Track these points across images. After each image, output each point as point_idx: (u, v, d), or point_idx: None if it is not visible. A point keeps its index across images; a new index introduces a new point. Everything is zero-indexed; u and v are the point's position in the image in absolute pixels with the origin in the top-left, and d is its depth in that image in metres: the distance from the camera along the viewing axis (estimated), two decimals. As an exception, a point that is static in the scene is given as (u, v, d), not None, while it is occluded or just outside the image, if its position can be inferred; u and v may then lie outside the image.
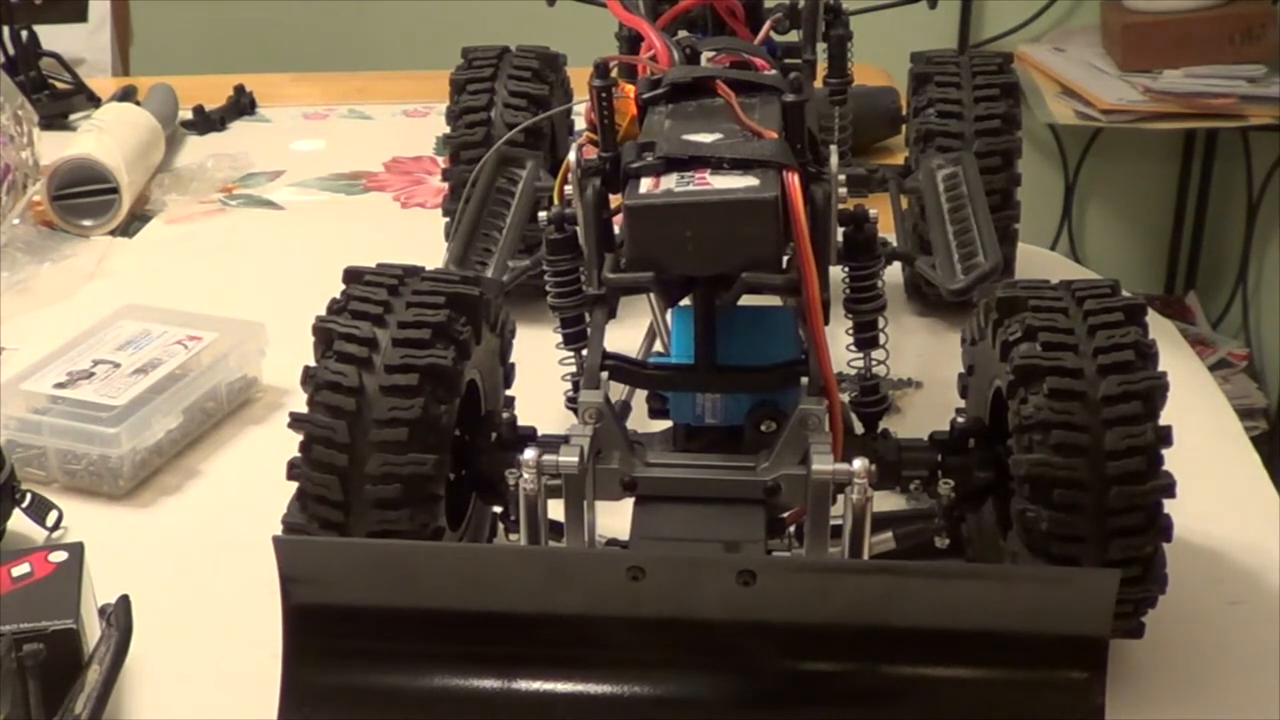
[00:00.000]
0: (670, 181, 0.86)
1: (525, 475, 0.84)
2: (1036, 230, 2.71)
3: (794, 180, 0.85)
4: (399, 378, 0.88)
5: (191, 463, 1.18)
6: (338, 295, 0.93)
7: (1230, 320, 2.98)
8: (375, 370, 0.89)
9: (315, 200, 1.69)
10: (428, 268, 0.97)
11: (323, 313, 0.92)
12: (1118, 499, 0.85)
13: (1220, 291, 3.01)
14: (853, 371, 1.00)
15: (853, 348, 0.99)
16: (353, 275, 0.95)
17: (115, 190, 1.56)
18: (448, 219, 1.33)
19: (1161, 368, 0.89)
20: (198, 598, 1.03)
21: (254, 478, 1.14)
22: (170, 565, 1.06)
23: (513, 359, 1.02)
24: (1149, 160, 2.97)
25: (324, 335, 0.91)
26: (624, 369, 0.92)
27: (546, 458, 0.84)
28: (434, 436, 0.89)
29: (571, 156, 0.95)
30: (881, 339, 1.00)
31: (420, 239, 1.41)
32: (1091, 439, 0.86)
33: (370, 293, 0.92)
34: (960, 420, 0.96)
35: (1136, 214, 3.03)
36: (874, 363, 0.99)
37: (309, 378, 0.90)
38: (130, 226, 1.59)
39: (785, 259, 0.88)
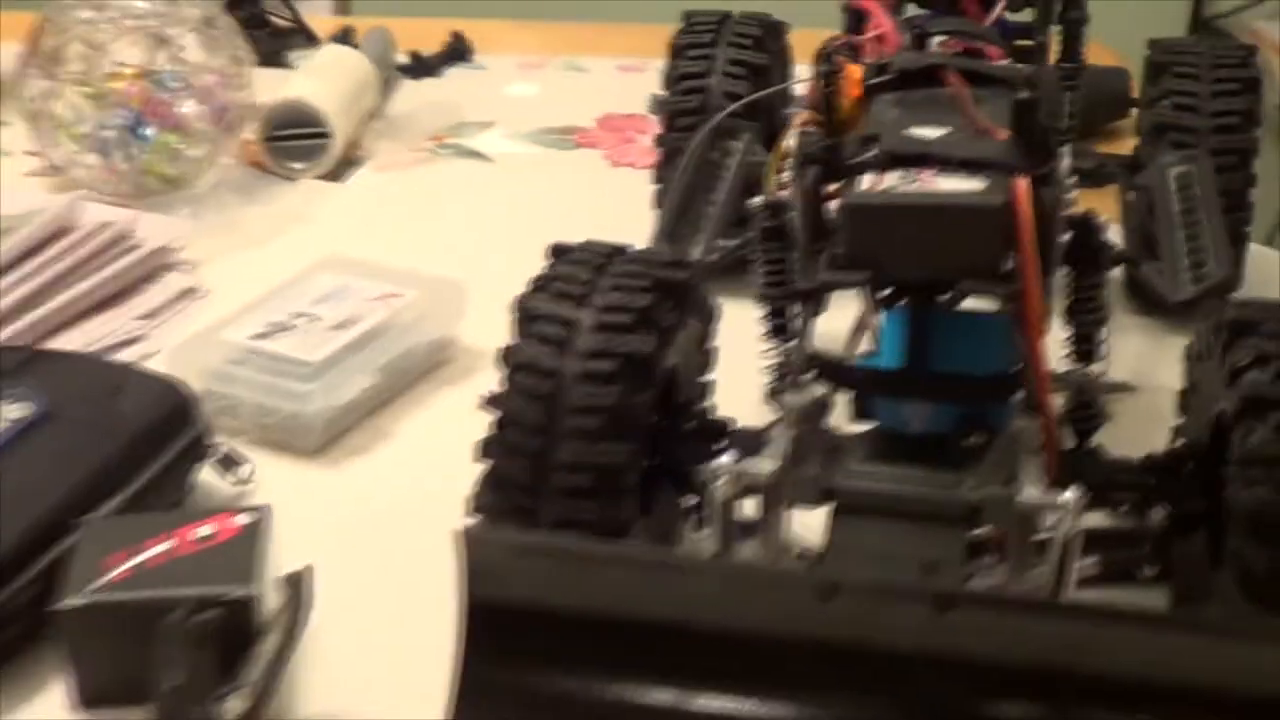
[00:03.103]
0: (892, 179, 0.82)
1: (721, 480, 0.81)
2: (1259, 217, 2.62)
3: (1023, 186, 0.81)
4: (597, 364, 0.86)
5: (384, 423, 1.17)
6: (541, 270, 0.91)
7: None
8: (573, 354, 0.86)
9: (525, 154, 1.67)
10: (635, 246, 0.94)
11: (525, 277, 0.90)
12: None
13: None
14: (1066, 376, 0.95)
15: (1069, 357, 0.95)
16: (557, 251, 0.92)
17: (327, 135, 1.56)
18: (657, 185, 1.31)
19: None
20: (381, 564, 1.01)
21: (445, 442, 1.11)
22: (356, 528, 1.05)
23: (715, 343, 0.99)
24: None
25: (524, 313, 0.89)
26: (831, 369, 0.89)
27: (743, 464, 0.81)
28: (629, 426, 0.86)
29: (790, 142, 0.92)
30: (1102, 350, 0.96)
31: (627, 201, 1.38)
32: None
33: (574, 272, 0.90)
34: (1175, 442, 0.92)
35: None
36: (1091, 376, 0.95)
37: (506, 356, 0.88)
38: (340, 172, 1.58)
39: (1008, 264, 0.84)
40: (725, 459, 0.81)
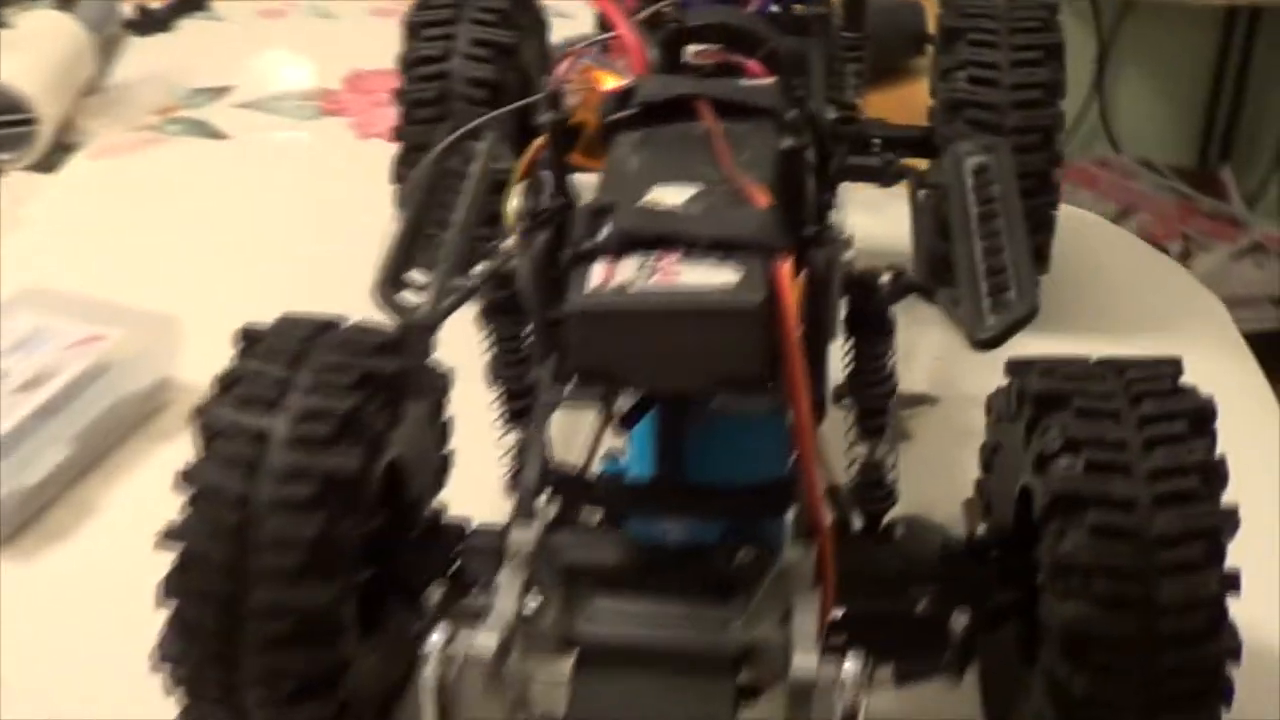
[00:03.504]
0: (628, 269, 0.68)
1: (431, 664, 0.66)
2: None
3: (785, 272, 0.68)
4: (293, 489, 0.72)
5: (89, 494, 1.01)
6: (228, 366, 0.76)
7: (1267, 199, 2.82)
8: (265, 476, 0.72)
9: (263, 126, 1.50)
10: (346, 320, 0.80)
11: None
12: (1171, 662, 0.69)
13: (1257, 166, 2.86)
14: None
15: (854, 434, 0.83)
16: (246, 338, 0.78)
17: (34, 121, 1.38)
18: (397, 186, 1.16)
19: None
20: (87, 677, 0.88)
21: (163, 511, 0.97)
22: (56, 632, 0.91)
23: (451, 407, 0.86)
24: (1190, 26, 2.80)
25: (205, 426, 0.74)
26: (571, 486, 0.75)
27: (458, 643, 0.66)
28: (336, 559, 0.72)
29: (515, 203, 0.78)
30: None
31: (375, 183, 1.21)
32: (1142, 589, 0.69)
33: (265, 368, 0.75)
34: (977, 507, 0.81)
35: (1173, 79, 2.87)
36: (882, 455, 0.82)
37: (184, 479, 0.74)
38: (52, 160, 1.41)
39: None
40: (435, 637, 0.66)
